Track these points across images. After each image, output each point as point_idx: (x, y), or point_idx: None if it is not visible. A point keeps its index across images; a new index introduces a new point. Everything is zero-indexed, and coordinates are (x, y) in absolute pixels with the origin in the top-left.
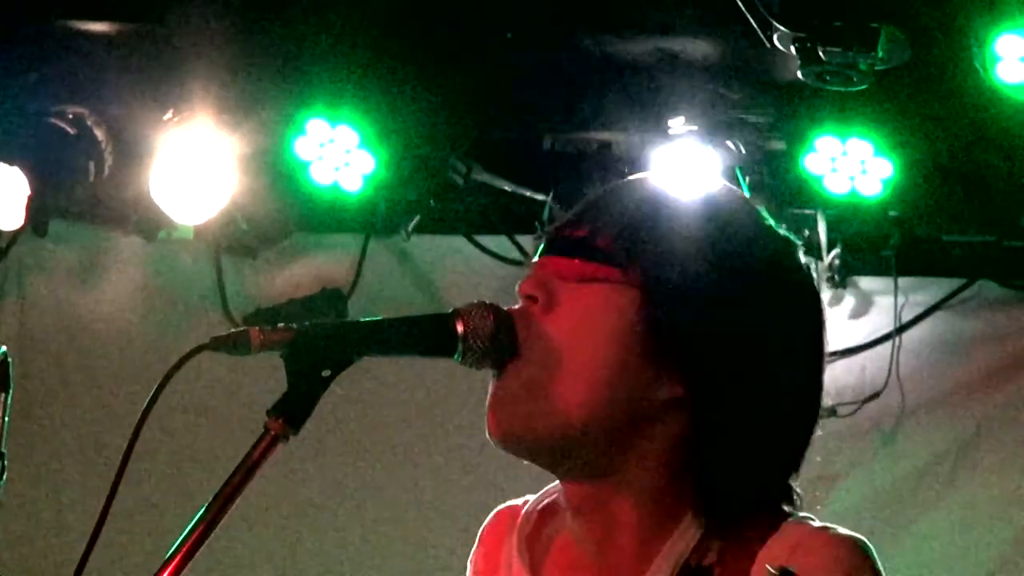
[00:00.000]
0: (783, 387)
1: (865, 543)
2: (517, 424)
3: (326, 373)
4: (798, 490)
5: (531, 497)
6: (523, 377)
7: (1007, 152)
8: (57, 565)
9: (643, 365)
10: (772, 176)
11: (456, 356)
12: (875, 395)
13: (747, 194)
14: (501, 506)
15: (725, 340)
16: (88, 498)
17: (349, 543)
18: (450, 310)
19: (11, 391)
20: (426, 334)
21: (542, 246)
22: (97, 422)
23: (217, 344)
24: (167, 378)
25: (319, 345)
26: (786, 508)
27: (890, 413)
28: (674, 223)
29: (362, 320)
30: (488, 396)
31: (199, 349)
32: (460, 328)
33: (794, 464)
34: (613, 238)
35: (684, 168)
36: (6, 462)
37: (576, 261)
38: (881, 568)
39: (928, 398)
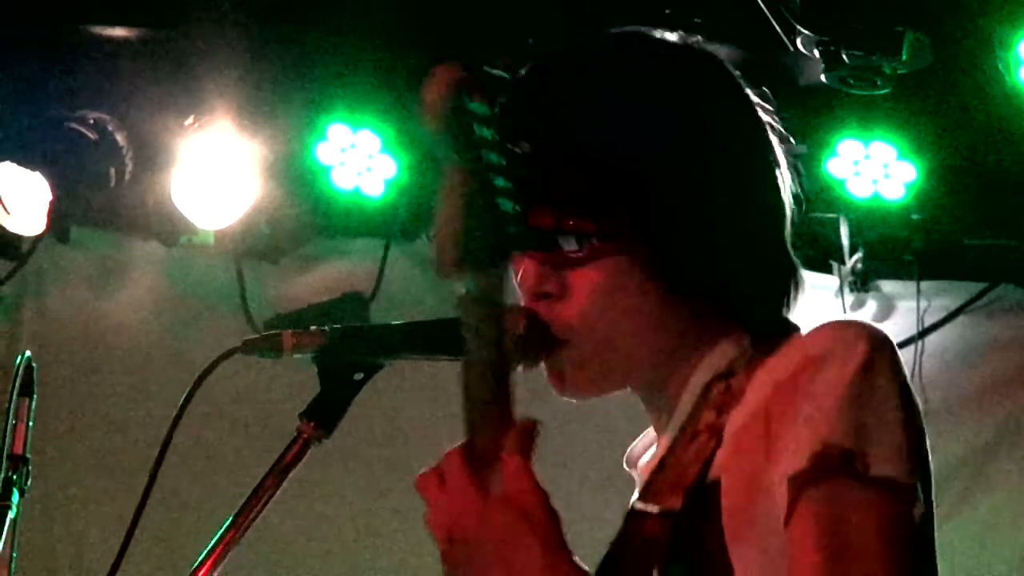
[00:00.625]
0: (759, 220)
1: (872, 326)
2: (582, 389)
3: (358, 376)
4: None
5: None
6: (568, 359)
7: None
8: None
9: (666, 303)
10: (794, 180)
11: None
12: None
13: None
14: None
15: (709, 232)
16: (107, 505)
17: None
18: None
19: (35, 397)
20: (458, 336)
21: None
22: (116, 428)
23: (249, 347)
24: (199, 381)
25: (351, 348)
26: None
27: None
28: (594, 149)
29: (394, 324)
30: (547, 378)
31: (231, 352)
32: None
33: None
34: (558, 218)
35: None
36: (30, 467)
37: (550, 253)
38: (894, 354)
39: (950, 402)
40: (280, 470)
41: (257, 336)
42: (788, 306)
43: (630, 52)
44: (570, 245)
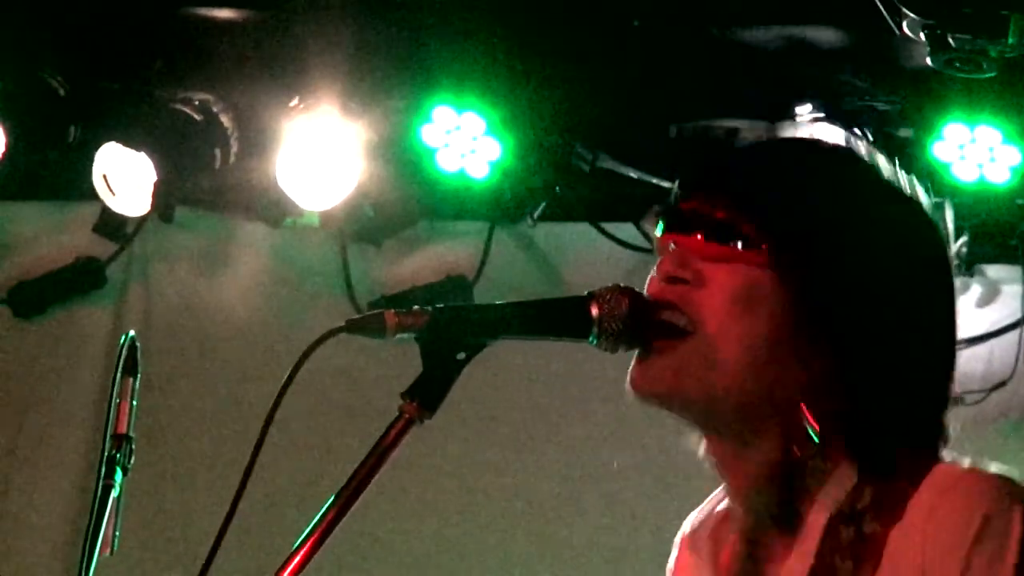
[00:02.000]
0: (925, 349)
1: (1017, 483)
2: (665, 385)
3: (461, 356)
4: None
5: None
6: (680, 351)
7: None
8: (181, 556)
9: (791, 344)
10: (900, 164)
11: (591, 338)
12: (1002, 383)
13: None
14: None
15: (872, 316)
16: (212, 487)
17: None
18: (586, 293)
19: (139, 376)
20: (562, 317)
21: (667, 219)
22: (221, 410)
23: (352, 327)
24: (302, 360)
25: (454, 328)
26: (941, 450)
27: (1018, 402)
28: (807, 196)
29: (497, 303)
30: (634, 363)
31: (334, 332)
32: (595, 311)
33: (942, 404)
34: (746, 216)
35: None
36: (134, 446)
37: (711, 243)
38: None
39: None
40: (382, 450)
41: (361, 316)
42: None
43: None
44: (724, 237)
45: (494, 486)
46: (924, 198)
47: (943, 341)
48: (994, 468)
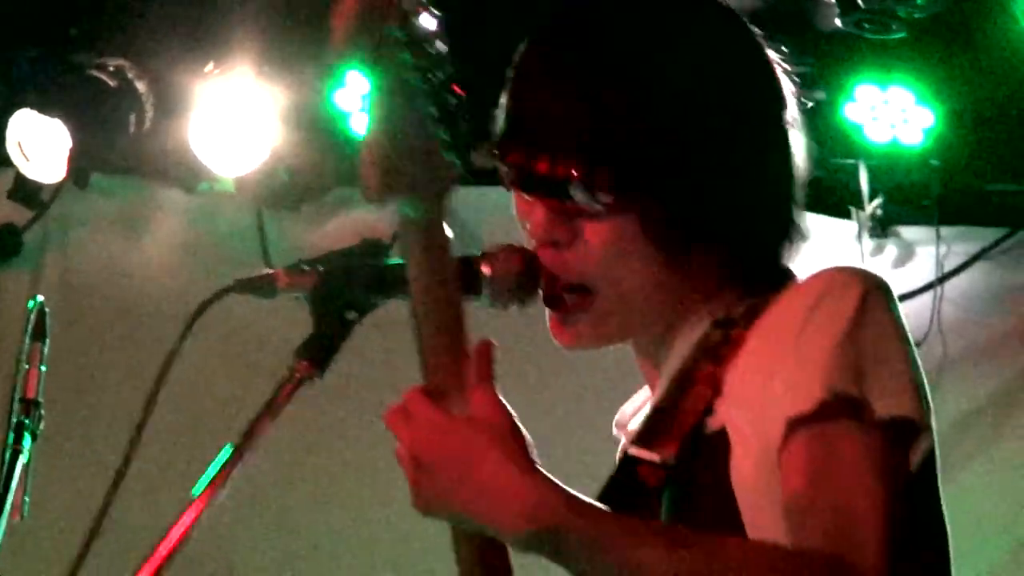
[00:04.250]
0: (765, 173)
1: (867, 271)
2: (590, 338)
3: (351, 316)
4: None
5: None
6: (591, 309)
7: None
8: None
9: (673, 259)
10: (813, 127)
11: (482, 298)
12: (917, 345)
13: None
14: None
15: (714, 200)
16: (160, 484)
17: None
18: (478, 253)
19: (47, 341)
20: (461, 277)
21: (507, 173)
22: (139, 373)
23: (242, 286)
24: (192, 320)
25: (343, 287)
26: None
27: (932, 364)
28: (627, 104)
29: (388, 263)
30: (552, 321)
31: (224, 291)
32: (487, 270)
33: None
34: (583, 170)
35: None
36: (43, 411)
37: (564, 203)
38: (890, 296)
39: (970, 348)
40: (272, 409)
41: (251, 276)
42: (788, 256)
43: (647, 2)
44: (581, 197)
45: None
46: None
47: (783, 180)
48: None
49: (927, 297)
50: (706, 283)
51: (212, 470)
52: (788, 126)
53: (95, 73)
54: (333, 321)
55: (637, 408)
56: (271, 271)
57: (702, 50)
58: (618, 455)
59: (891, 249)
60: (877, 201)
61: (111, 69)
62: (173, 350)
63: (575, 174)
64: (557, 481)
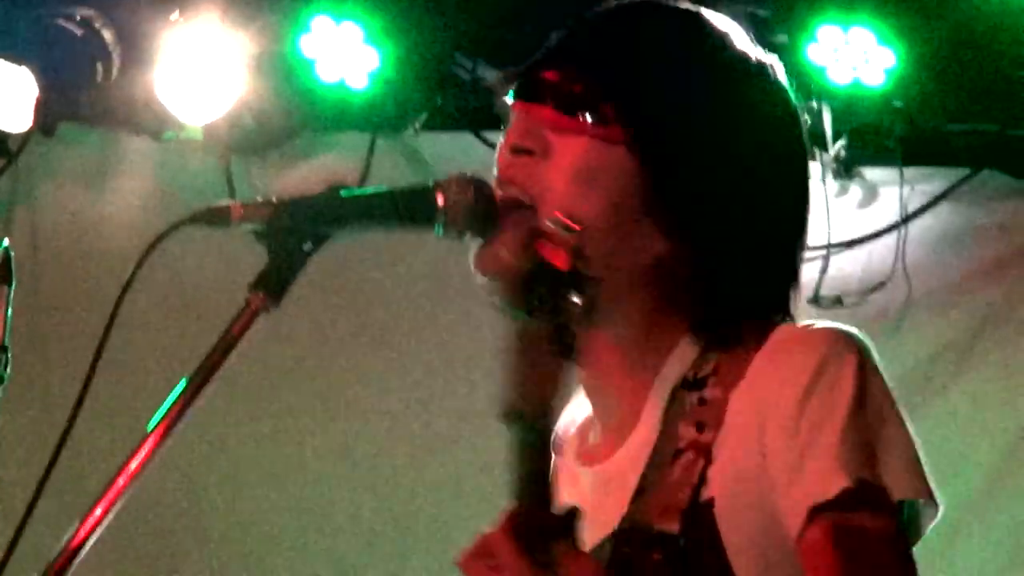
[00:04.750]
0: (775, 225)
1: (852, 333)
2: (500, 262)
3: (307, 247)
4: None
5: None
6: (523, 226)
7: (1011, 40)
8: (62, 467)
9: (636, 221)
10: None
11: (436, 228)
12: (881, 285)
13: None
14: None
15: (722, 193)
16: (98, 398)
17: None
18: (430, 183)
19: (12, 285)
20: (407, 206)
21: (518, 86)
22: (105, 319)
23: (197, 218)
24: (148, 251)
25: (297, 218)
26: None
27: (897, 302)
28: (660, 69)
29: (343, 194)
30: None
31: (180, 223)
32: (440, 200)
33: (790, 276)
34: (598, 89)
35: None
36: (10, 355)
37: (560, 114)
38: (874, 358)
39: (934, 288)
40: (228, 342)
41: (207, 207)
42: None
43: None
44: (571, 108)
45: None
46: (780, 72)
47: (794, 215)
48: (833, 324)
49: (891, 237)
50: (671, 282)
51: (167, 403)
52: (810, 183)
53: (62, 23)
54: (288, 253)
55: (572, 422)
56: (227, 203)
57: (723, 70)
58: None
59: (855, 190)
60: (840, 143)
61: (78, 19)
62: (129, 280)
63: (587, 90)
64: None
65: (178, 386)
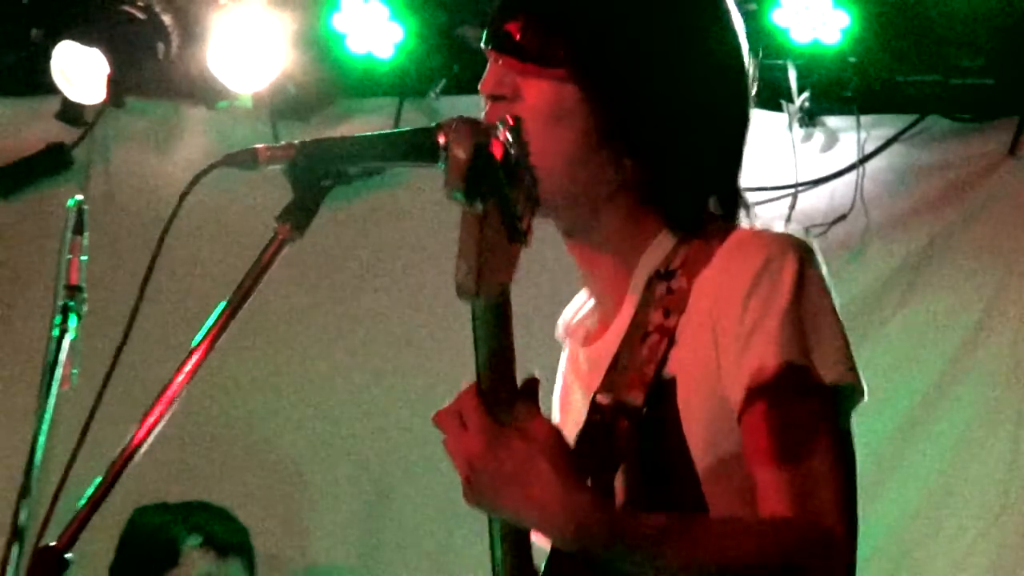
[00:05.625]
0: (715, 124)
1: (797, 237)
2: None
3: (326, 183)
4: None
5: None
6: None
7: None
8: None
9: (600, 150)
10: (747, 31)
11: (439, 164)
12: (842, 217)
13: None
14: None
15: (661, 112)
16: (166, 338)
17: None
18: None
19: (87, 234)
20: (412, 145)
21: (487, 35)
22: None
23: (228, 161)
24: (186, 191)
25: (317, 156)
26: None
27: (857, 232)
28: (605, 9)
29: (356, 136)
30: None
31: (213, 166)
32: (442, 139)
33: (735, 163)
34: (548, 35)
35: None
36: (86, 295)
37: (520, 61)
38: (818, 264)
39: (889, 217)
40: (259, 269)
41: (236, 151)
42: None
43: None
44: (531, 56)
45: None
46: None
47: (734, 116)
48: (784, 231)
49: (851, 176)
50: (636, 211)
51: (209, 323)
52: (751, 87)
53: (126, 8)
54: (309, 188)
55: (578, 311)
56: (254, 147)
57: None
58: (563, 366)
59: (818, 136)
60: (804, 95)
61: (140, 4)
62: (173, 212)
63: (541, 36)
64: (594, 494)
65: (218, 308)
